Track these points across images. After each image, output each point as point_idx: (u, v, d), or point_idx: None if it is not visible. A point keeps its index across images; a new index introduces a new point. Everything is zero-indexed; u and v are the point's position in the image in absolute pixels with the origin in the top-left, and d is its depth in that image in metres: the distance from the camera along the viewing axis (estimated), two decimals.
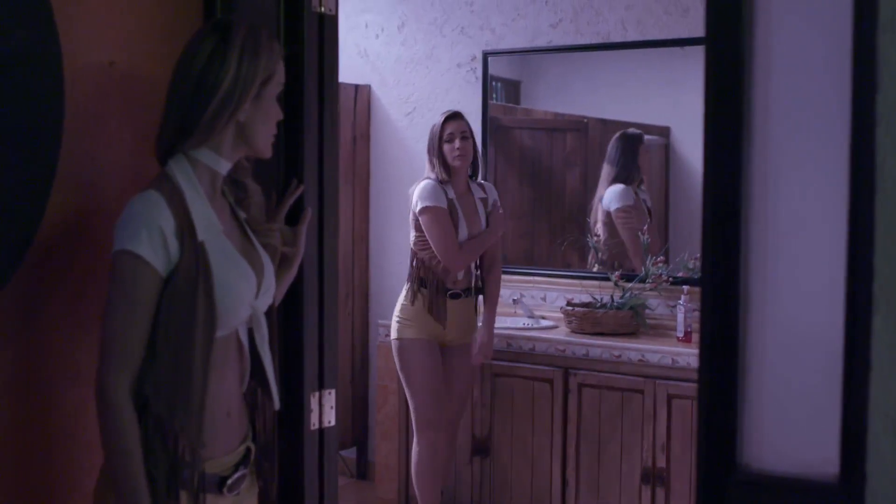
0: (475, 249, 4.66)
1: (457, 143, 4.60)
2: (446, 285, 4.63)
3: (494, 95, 5.50)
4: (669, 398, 4.34)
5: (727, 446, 1.94)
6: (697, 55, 4.53)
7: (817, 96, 1.88)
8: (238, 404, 2.17)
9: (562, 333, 4.84)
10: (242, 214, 2.23)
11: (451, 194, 4.60)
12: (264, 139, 2.15)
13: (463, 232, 4.60)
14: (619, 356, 4.49)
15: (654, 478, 4.35)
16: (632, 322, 4.78)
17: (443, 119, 4.65)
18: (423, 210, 4.55)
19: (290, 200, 2.42)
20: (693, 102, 4.46)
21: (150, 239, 1.96)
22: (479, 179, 4.84)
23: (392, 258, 5.70)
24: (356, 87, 5.68)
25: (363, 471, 5.84)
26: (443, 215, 4.54)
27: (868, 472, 1.73)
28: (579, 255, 5.33)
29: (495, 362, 4.79)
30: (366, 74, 5.74)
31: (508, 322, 5.10)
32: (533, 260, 5.53)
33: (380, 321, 5.31)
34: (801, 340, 1.92)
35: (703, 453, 1.94)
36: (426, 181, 4.62)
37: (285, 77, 2.16)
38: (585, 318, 4.78)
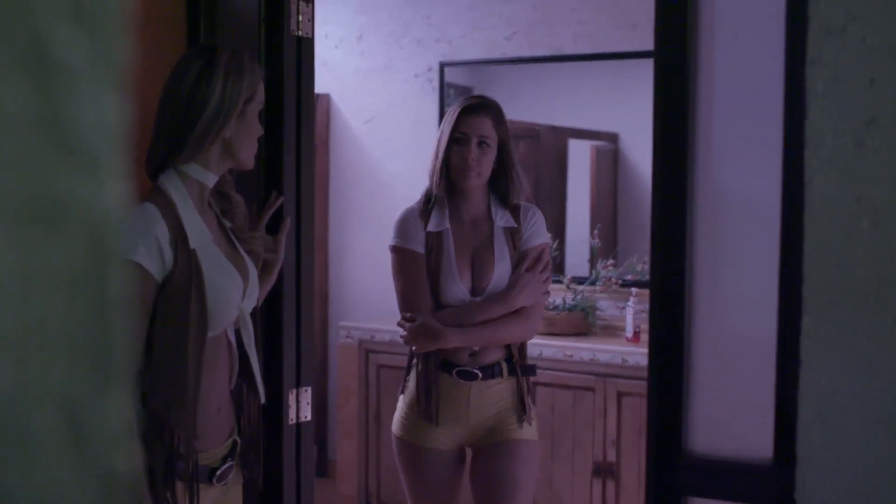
0: (461, 319, 3.02)
1: (473, 151, 3.00)
2: (450, 358, 3.05)
3: (449, 103, 5.67)
4: (619, 396, 4.54)
5: (674, 434, 2.14)
6: (645, 66, 4.75)
7: (754, 120, 2.09)
8: (227, 400, 2.31)
9: None
10: (228, 224, 2.38)
11: (446, 223, 3.06)
12: (248, 153, 2.29)
13: (454, 285, 3.04)
14: (572, 356, 4.67)
15: (604, 471, 4.54)
16: (583, 323, 4.97)
17: (458, 108, 3.08)
18: (391, 249, 3.13)
19: (270, 211, 2.59)
20: (641, 110, 4.67)
21: (147, 248, 2.10)
22: (517, 201, 3.18)
23: (350, 263, 5.85)
24: (316, 96, 5.83)
25: (323, 469, 5.99)
26: (409, 262, 3.04)
27: (798, 456, 1.92)
28: None
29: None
30: (325, 84, 5.89)
31: None
32: None
33: (340, 323, 5.47)
34: (740, 339, 2.12)
35: (652, 440, 2.14)
36: (410, 207, 3.15)
37: (266, 95, 2.33)
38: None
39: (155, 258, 2.12)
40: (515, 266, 3.08)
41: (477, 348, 3.05)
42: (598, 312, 5.05)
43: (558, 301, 5.04)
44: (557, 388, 4.71)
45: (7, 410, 0.37)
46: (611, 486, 4.52)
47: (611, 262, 5.14)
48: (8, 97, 0.37)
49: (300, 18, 2.59)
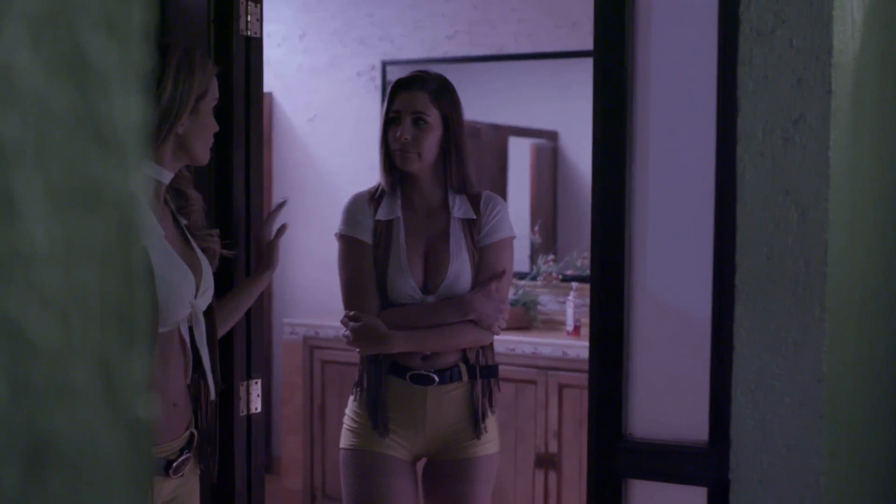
0: (410, 321, 2.75)
1: (406, 129, 2.72)
2: (401, 361, 2.78)
3: None
4: (560, 388, 4.63)
5: (614, 419, 2.23)
6: (584, 65, 4.86)
7: (689, 117, 2.18)
8: (183, 395, 2.34)
9: None
10: (184, 221, 2.40)
11: (397, 211, 2.78)
12: (202, 149, 2.32)
13: (404, 280, 2.75)
14: (514, 349, 4.76)
15: (546, 463, 4.63)
16: (525, 317, 5.05)
17: (392, 86, 2.84)
18: (337, 237, 2.88)
19: (276, 218, 2.71)
20: (580, 108, 4.77)
21: None
22: (477, 190, 2.88)
23: (294, 260, 5.89)
24: None
25: (268, 464, 6.02)
26: (355, 252, 2.76)
27: (732, 438, 2.02)
28: None
29: None
30: (268, 82, 5.92)
31: None
32: None
33: (285, 320, 5.50)
34: (677, 327, 2.22)
35: (592, 426, 2.23)
36: (359, 192, 2.88)
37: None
38: None
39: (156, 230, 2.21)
40: (476, 264, 2.77)
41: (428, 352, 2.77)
42: (539, 307, 5.14)
43: None
44: (500, 380, 4.78)
45: (54, 363, 0.44)
46: (553, 476, 4.62)
47: (551, 257, 5.24)
48: (56, 97, 0.43)
49: (249, 19, 2.64)
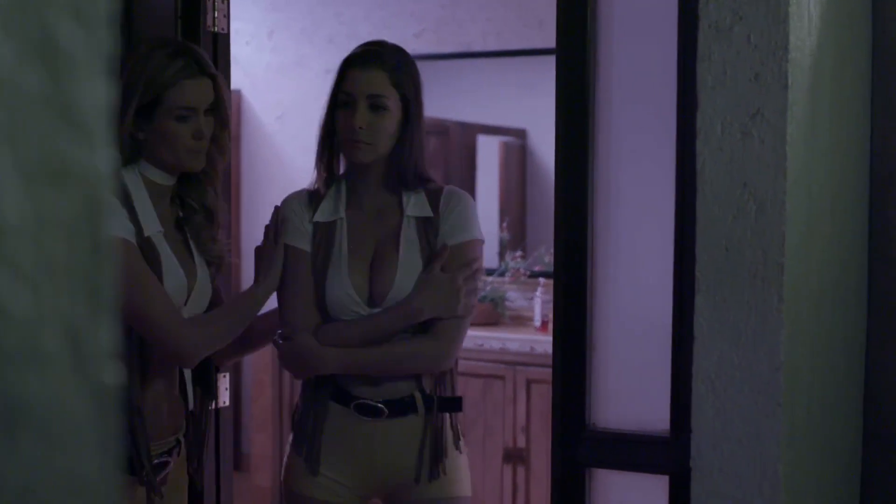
0: (346, 336, 2.31)
1: (362, 115, 2.26)
2: (346, 387, 2.36)
3: None
4: (529, 383, 4.67)
5: (578, 410, 2.27)
6: (551, 63, 4.90)
7: (649, 113, 2.22)
8: (168, 399, 2.30)
9: None
10: (188, 233, 2.32)
11: (340, 211, 2.35)
12: (173, 157, 2.19)
13: (343, 290, 2.31)
14: (482, 345, 4.79)
15: (514, 457, 4.67)
16: (493, 313, 5.09)
17: (343, 61, 2.36)
18: None
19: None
20: (548, 106, 4.79)
21: (115, 220, 2.05)
22: (435, 184, 2.42)
23: None
24: None
25: (237, 462, 6.02)
26: (289, 262, 2.35)
27: (693, 426, 2.06)
28: None
29: None
30: (236, 80, 5.91)
31: None
32: None
33: None
34: (638, 320, 2.26)
35: (557, 417, 2.26)
36: (297, 191, 2.45)
37: None
38: None
39: (126, 229, 2.10)
40: (429, 261, 2.31)
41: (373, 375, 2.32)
42: (507, 303, 5.18)
43: None
44: (469, 376, 4.81)
45: (25, 330, 0.46)
46: (521, 471, 4.65)
47: (519, 253, 5.28)
48: (26, 79, 0.46)
49: (216, 14, 2.66)
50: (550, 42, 5.22)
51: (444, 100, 5.61)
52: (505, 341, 4.75)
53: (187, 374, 2.34)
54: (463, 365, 4.80)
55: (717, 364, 2.04)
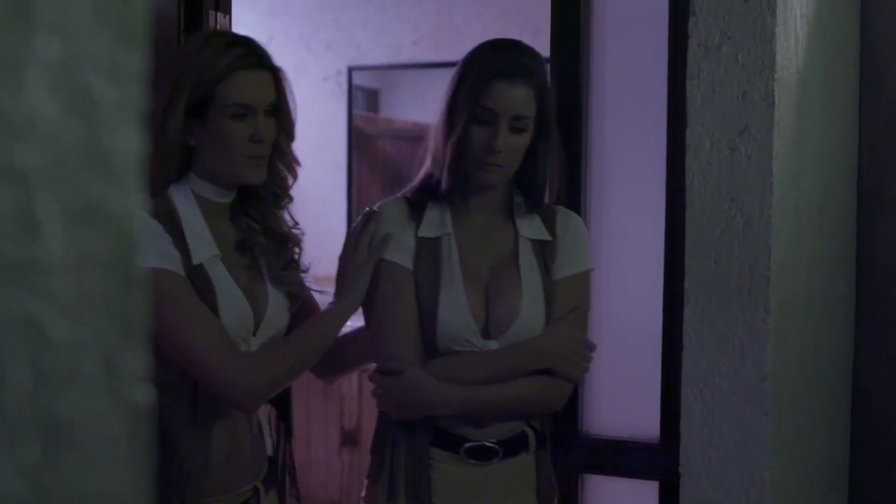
0: (468, 373, 1.96)
1: (502, 136, 1.94)
2: (449, 427, 1.99)
3: (357, 106, 5.82)
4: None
5: (571, 418, 2.32)
6: (547, 69, 4.98)
7: (641, 128, 2.28)
8: (249, 440, 1.94)
9: None
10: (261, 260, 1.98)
11: (447, 226, 2.03)
12: (228, 164, 1.87)
13: (460, 318, 1.96)
14: None
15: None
16: None
17: (487, 70, 1.97)
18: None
19: (368, 231, 2.01)
20: None
21: (158, 251, 1.80)
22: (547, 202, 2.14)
23: None
24: None
25: None
26: (390, 281, 1.99)
27: (682, 434, 2.12)
28: None
29: None
30: None
31: None
32: None
33: None
34: (629, 330, 2.32)
35: (552, 424, 2.32)
36: (393, 198, 2.06)
37: None
38: None
39: (171, 258, 1.80)
40: (548, 301, 2.01)
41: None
42: None
43: None
44: None
45: (66, 355, 0.52)
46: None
47: None
48: (68, 132, 0.52)
49: (217, 27, 2.71)
50: (546, 49, 5.29)
51: (437, 104, 5.67)
52: None
53: (262, 416, 1.98)
54: None
55: (705, 373, 2.09)
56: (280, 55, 6.05)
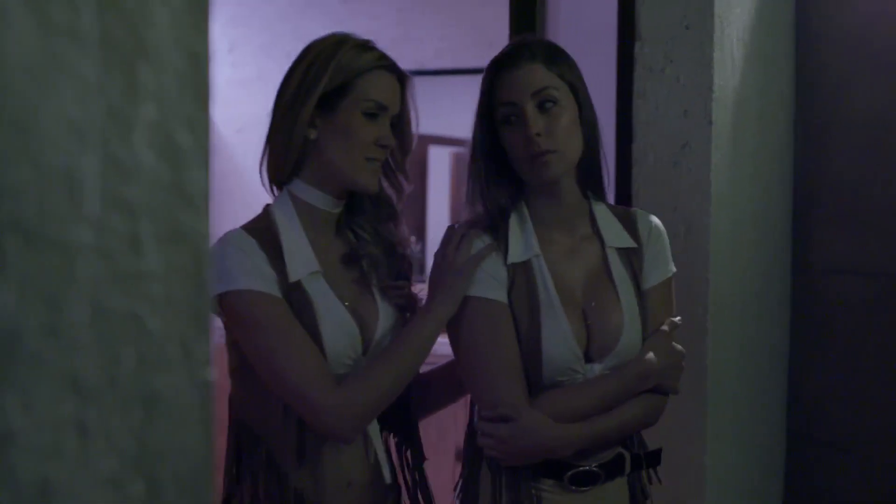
0: (578, 405, 1.82)
1: (533, 120, 1.79)
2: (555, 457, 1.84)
3: None
4: None
5: None
6: None
7: None
8: (362, 471, 1.84)
9: None
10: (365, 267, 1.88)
11: (534, 247, 1.86)
12: (348, 162, 1.78)
13: (564, 344, 1.82)
14: (434, 350, 4.98)
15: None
16: None
17: (488, 67, 1.90)
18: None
19: (469, 240, 1.88)
20: None
21: (248, 272, 1.71)
22: (610, 203, 2.01)
23: None
24: None
25: None
26: (491, 318, 1.81)
27: None
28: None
29: None
30: None
31: None
32: None
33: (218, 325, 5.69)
34: None
35: None
36: (469, 220, 1.89)
37: None
38: None
39: (264, 278, 1.70)
40: (642, 312, 1.89)
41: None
42: None
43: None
44: None
45: (157, 343, 0.69)
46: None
47: None
48: (160, 173, 0.69)
49: None
50: None
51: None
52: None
53: (375, 438, 1.86)
54: (427, 369, 5.00)
55: None
56: (242, 64, 6.20)
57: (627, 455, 1.90)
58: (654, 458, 1.95)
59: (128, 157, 0.66)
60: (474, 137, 1.87)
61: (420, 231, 5.75)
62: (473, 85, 5.87)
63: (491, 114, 1.84)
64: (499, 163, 1.84)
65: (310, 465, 1.77)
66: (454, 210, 5.84)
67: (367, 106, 1.78)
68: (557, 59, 1.83)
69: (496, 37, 5.47)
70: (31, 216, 0.61)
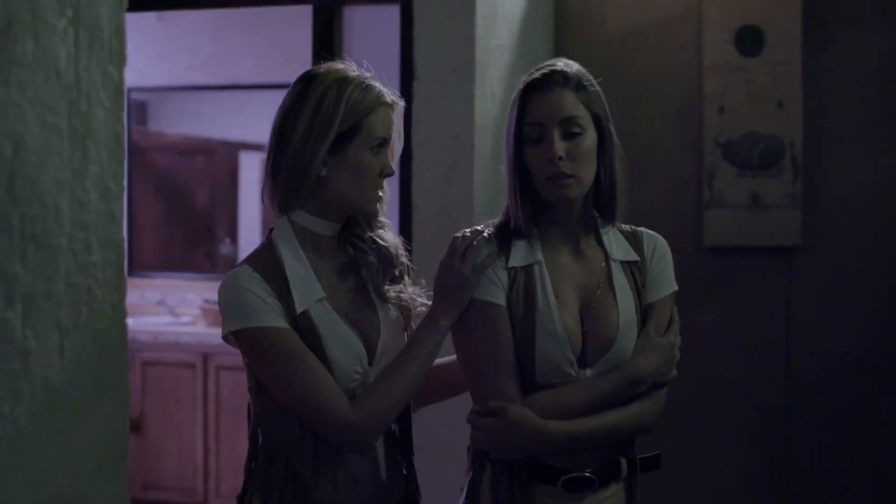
0: (569, 405, 1.93)
1: (557, 144, 1.90)
2: (549, 461, 1.94)
3: (133, 122, 6.13)
4: None
5: None
6: None
7: None
8: (367, 471, 1.92)
9: (202, 326, 5.75)
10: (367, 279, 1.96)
11: (537, 254, 1.97)
12: (359, 195, 1.89)
13: (557, 347, 1.92)
14: None
15: None
16: None
17: (522, 88, 1.97)
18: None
19: (481, 245, 1.97)
20: None
21: (259, 308, 1.82)
22: (619, 224, 2.07)
23: None
24: None
25: None
26: (487, 321, 1.93)
27: None
28: (211, 260, 6.24)
29: (145, 353, 5.55)
30: None
31: (154, 320, 5.90)
32: (171, 266, 6.24)
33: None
34: None
35: None
36: (475, 230, 2.00)
37: None
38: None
39: (273, 312, 1.83)
40: (640, 323, 1.98)
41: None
42: None
43: None
44: (239, 370, 5.28)
45: (99, 301, 1.19)
46: None
47: None
48: (98, 204, 1.19)
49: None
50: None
51: (213, 122, 6.10)
52: None
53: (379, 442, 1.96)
54: (233, 360, 5.36)
55: None
56: None
57: (624, 460, 1.97)
58: (652, 462, 2.01)
59: (83, 196, 1.16)
60: (509, 154, 1.96)
61: (232, 230, 6.17)
62: (280, 97, 6.25)
63: (519, 132, 1.93)
64: (523, 178, 1.94)
65: (326, 472, 1.88)
66: (264, 211, 6.21)
67: (374, 143, 1.88)
68: (587, 88, 1.94)
69: (305, 56, 5.90)
70: (38, 231, 1.10)
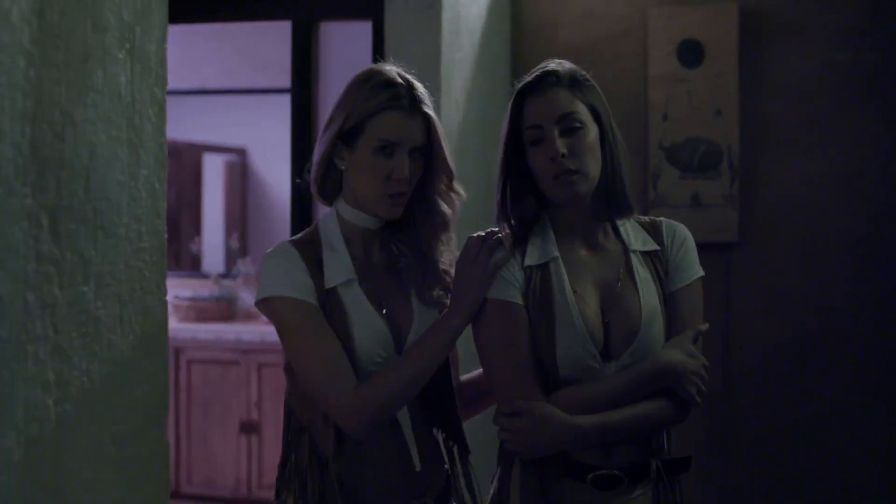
0: (593, 401, 1.90)
1: (556, 143, 1.89)
2: (579, 457, 1.93)
3: None
4: (260, 367, 5.48)
5: None
6: (271, 99, 5.88)
7: None
8: (396, 464, 1.97)
9: (173, 321, 5.90)
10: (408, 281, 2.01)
11: (553, 250, 1.96)
12: (368, 194, 1.93)
13: (579, 342, 1.91)
14: (220, 337, 5.60)
15: (249, 429, 5.54)
16: (227, 310, 5.95)
17: (516, 93, 1.98)
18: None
19: (494, 247, 1.98)
20: (265, 129, 5.64)
21: (291, 281, 1.90)
22: (638, 216, 2.07)
23: None
24: None
25: None
26: (508, 320, 1.91)
27: None
28: (176, 259, 6.33)
29: None
30: None
31: None
32: None
33: None
34: None
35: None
36: (490, 232, 2.00)
37: None
38: (191, 308, 5.92)
39: (301, 287, 1.90)
40: (666, 314, 1.96)
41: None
42: (239, 302, 6.04)
43: (206, 293, 6.02)
44: (209, 363, 5.62)
45: (148, 279, 1.45)
46: (255, 440, 5.52)
47: (249, 259, 6.16)
48: (147, 201, 1.45)
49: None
50: (273, 82, 6.09)
51: (178, 125, 6.28)
52: (239, 333, 5.56)
53: (406, 429, 1.99)
54: (203, 354, 5.60)
55: None
56: None
57: (655, 462, 1.94)
58: (682, 464, 1.98)
59: (137, 194, 1.42)
60: (500, 159, 1.97)
61: (196, 228, 6.36)
62: (245, 102, 6.53)
63: (517, 137, 1.93)
64: (524, 181, 1.94)
65: (348, 454, 1.92)
66: (228, 210, 6.43)
67: (377, 144, 1.90)
68: (581, 83, 1.94)
69: (270, 60, 6.14)
70: (106, 222, 1.36)
